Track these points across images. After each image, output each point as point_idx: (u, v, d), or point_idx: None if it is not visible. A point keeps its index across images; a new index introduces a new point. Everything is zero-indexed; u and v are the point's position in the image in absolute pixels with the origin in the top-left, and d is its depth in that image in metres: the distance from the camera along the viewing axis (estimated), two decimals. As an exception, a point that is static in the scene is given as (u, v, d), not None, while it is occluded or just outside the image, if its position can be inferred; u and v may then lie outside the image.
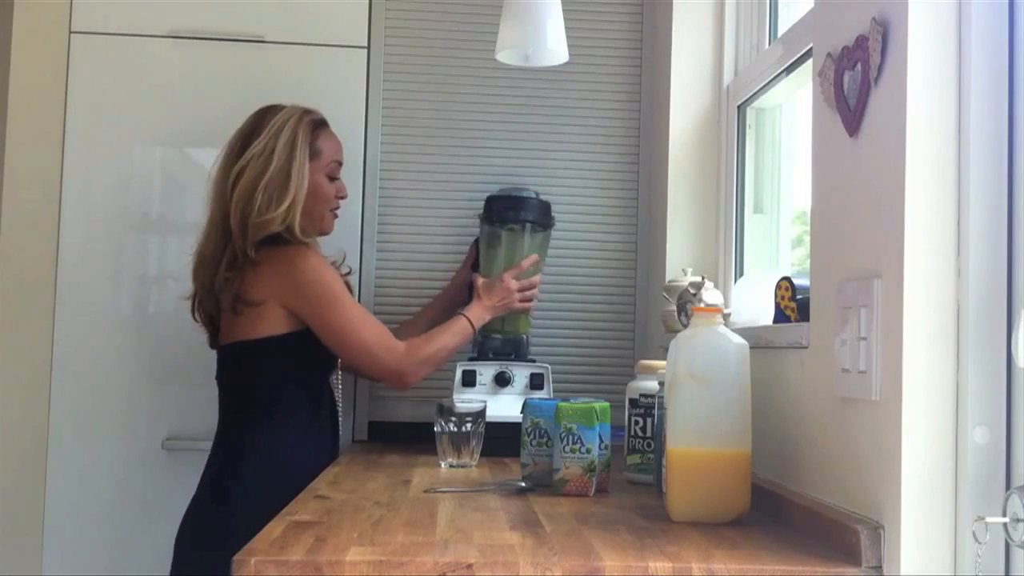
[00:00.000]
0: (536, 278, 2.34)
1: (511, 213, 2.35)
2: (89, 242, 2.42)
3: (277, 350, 2.04)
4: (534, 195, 2.39)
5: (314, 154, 2.11)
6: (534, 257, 2.34)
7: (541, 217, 2.37)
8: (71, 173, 2.42)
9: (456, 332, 2.21)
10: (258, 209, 2.00)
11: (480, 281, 2.31)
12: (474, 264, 2.43)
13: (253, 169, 2.03)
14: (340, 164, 2.18)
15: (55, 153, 2.42)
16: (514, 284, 2.29)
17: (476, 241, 2.44)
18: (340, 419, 2.23)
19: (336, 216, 2.20)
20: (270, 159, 2.03)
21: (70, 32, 2.43)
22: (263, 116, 2.10)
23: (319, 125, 2.14)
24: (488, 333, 2.35)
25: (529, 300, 2.33)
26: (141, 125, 2.44)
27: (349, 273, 2.26)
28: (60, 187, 2.42)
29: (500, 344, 2.37)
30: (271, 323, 2.03)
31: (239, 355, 2.05)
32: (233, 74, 2.45)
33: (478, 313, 2.26)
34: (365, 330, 2.08)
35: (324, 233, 2.18)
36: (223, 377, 2.10)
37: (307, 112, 2.13)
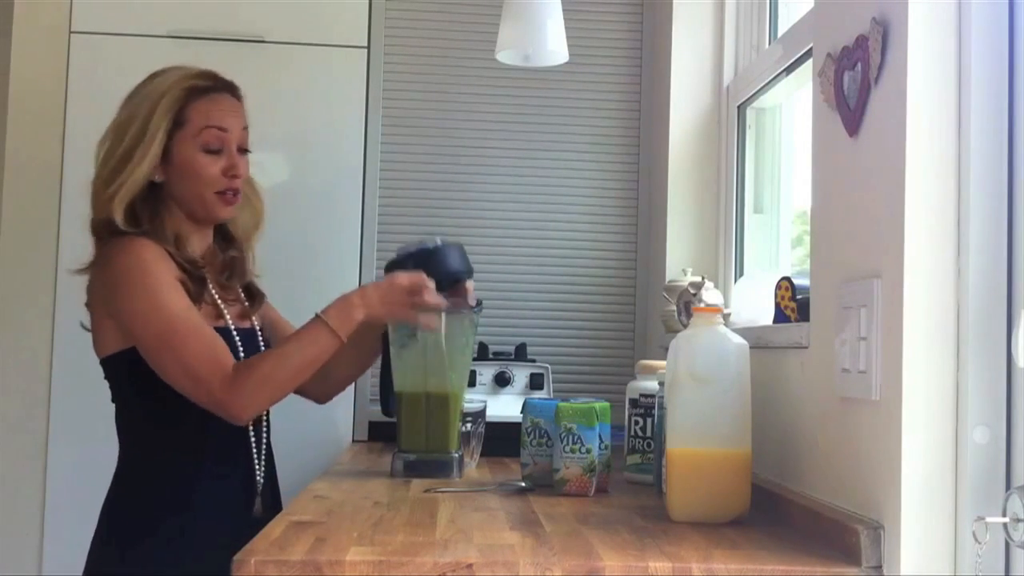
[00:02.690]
0: (423, 278, 1.68)
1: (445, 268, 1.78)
2: (90, 242, 2.41)
3: (118, 374, 1.67)
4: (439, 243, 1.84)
5: (179, 123, 1.67)
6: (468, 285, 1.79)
7: (460, 265, 1.82)
8: (71, 173, 2.42)
9: (307, 341, 1.61)
10: (101, 184, 1.68)
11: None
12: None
13: (110, 138, 1.69)
14: (224, 131, 1.69)
15: (55, 153, 2.42)
16: (404, 280, 1.67)
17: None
18: (258, 472, 1.72)
19: (229, 200, 1.71)
20: (127, 128, 1.66)
21: (70, 32, 2.43)
22: (150, 77, 1.72)
23: (198, 91, 1.69)
24: (402, 451, 1.80)
25: (418, 305, 1.67)
26: (141, 125, 2.44)
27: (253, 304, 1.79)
28: (60, 187, 2.42)
29: (417, 463, 1.79)
30: (105, 339, 1.67)
31: (105, 376, 1.71)
32: (233, 74, 2.43)
33: (339, 310, 1.62)
34: (191, 342, 1.56)
35: (216, 220, 1.75)
36: None
37: (193, 76, 1.71)
